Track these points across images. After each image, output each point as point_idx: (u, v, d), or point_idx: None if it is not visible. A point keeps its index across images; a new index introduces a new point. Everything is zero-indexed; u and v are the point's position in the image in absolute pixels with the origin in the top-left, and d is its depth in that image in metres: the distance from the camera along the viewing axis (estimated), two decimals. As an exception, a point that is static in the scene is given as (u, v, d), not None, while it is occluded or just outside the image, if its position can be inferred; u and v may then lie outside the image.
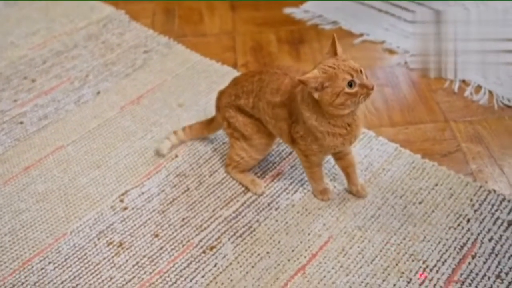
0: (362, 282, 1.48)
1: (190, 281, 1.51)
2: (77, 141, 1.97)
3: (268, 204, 1.70)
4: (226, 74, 2.22)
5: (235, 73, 2.21)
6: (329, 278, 1.49)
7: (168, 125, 2.00)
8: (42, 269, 1.57)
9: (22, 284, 1.53)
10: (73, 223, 1.68)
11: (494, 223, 1.60)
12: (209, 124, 1.83)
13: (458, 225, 1.60)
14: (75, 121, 2.05)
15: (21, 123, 2.06)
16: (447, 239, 1.56)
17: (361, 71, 1.36)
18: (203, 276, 1.52)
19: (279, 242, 1.59)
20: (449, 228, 1.59)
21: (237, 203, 1.71)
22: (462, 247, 1.54)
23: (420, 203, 1.66)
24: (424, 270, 1.50)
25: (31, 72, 2.30)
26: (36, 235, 1.66)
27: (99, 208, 1.72)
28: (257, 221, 1.65)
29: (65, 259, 1.59)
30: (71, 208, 1.73)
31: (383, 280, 1.48)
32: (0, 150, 1.95)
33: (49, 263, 1.58)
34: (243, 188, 1.75)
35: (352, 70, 1.35)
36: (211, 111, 1.99)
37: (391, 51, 2.33)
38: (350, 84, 1.34)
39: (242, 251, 1.57)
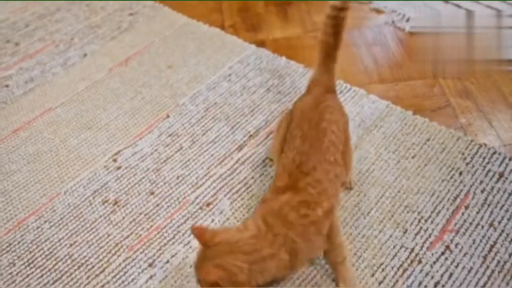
0: (359, 233, 1.50)
1: (189, 236, 1.51)
2: (66, 104, 1.94)
3: (263, 161, 1.70)
4: (214, 36, 2.20)
5: (223, 35, 2.20)
6: (327, 230, 1.50)
7: (158, 86, 1.98)
8: (38, 227, 1.55)
9: (19, 242, 1.52)
10: (66, 183, 1.67)
11: (486, 175, 1.62)
12: None
13: (451, 177, 1.62)
14: (62, 83, 2.02)
15: (7, 86, 2.02)
16: (440, 191, 1.59)
17: None
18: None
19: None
20: (442, 181, 1.61)
21: (232, 161, 1.71)
22: (455, 198, 1.57)
23: (413, 157, 1.68)
24: (419, 221, 1.51)
25: (14, 36, 2.25)
26: (30, 195, 1.64)
27: (92, 168, 1.71)
28: (252, 177, 1.66)
29: (61, 218, 1.57)
30: (64, 168, 1.71)
31: (379, 232, 1.50)
32: (-13, 114, 1.91)
33: (45, 222, 1.57)
34: (236, 146, 1.75)
35: None
36: (200, 72, 1.98)
37: (378, 11, 2.32)
38: None
39: (239, 207, 1.57)
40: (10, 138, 1.82)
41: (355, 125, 1.79)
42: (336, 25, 1.44)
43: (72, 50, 2.16)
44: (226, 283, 1.12)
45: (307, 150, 1.35)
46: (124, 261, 1.46)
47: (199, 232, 1.19)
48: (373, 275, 1.41)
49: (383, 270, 1.42)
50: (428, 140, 1.73)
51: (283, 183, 1.33)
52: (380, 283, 1.39)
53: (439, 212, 1.53)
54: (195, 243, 1.48)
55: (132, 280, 1.42)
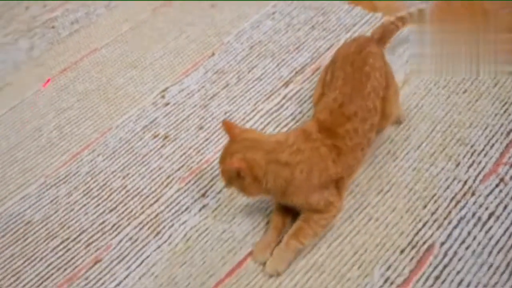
0: (409, 166, 1.49)
1: (239, 168, 1.51)
2: (110, 44, 1.95)
3: (310, 97, 1.69)
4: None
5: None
6: (377, 163, 1.50)
7: (202, 25, 1.98)
8: (92, 160, 1.58)
9: (74, 174, 1.55)
10: (116, 119, 1.69)
11: (539, 109, 1.59)
12: None
13: (505, 112, 1.59)
14: (106, 24, 2.03)
15: (53, 27, 2.04)
16: (493, 125, 1.56)
17: None
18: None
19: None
20: (495, 115, 1.59)
21: (279, 97, 1.71)
22: (509, 132, 1.54)
23: (464, 92, 1.66)
24: (471, 154, 1.50)
25: (56, -20, 2.25)
26: (82, 130, 1.67)
27: (141, 104, 1.73)
28: (300, 112, 1.66)
29: (113, 152, 1.60)
30: (113, 105, 1.73)
31: (431, 165, 1.49)
32: (36, 53, 1.94)
33: (98, 155, 1.60)
34: (283, 82, 1.74)
35: None
36: (244, 11, 1.96)
37: None
38: None
39: (288, 140, 1.57)
40: (59, 77, 1.84)
41: (403, 61, 1.77)
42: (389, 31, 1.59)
43: (115, -9, 2.16)
44: (246, 174, 1.21)
45: (349, 92, 1.35)
46: (176, 192, 1.49)
47: (228, 126, 1.28)
48: (425, 206, 1.41)
49: (435, 201, 1.41)
50: (479, 75, 1.69)
51: (324, 117, 1.34)
52: (432, 214, 1.39)
53: (493, 145, 1.51)
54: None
55: (186, 209, 1.45)
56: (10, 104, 1.77)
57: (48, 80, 1.56)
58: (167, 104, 1.71)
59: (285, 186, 1.26)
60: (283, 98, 1.70)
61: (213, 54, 1.87)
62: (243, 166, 1.21)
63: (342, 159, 1.31)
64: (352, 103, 1.34)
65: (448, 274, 1.27)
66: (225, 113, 1.67)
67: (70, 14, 2.09)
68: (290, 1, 2.02)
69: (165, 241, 1.39)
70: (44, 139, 1.66)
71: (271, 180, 1.25)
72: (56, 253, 1.40)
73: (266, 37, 1.91)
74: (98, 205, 1.48)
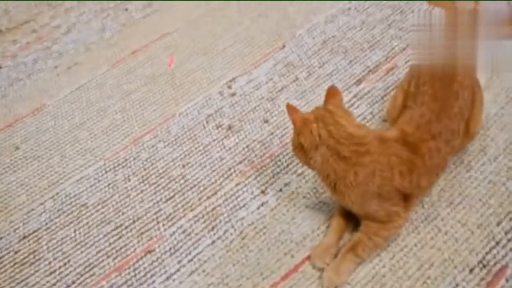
0: (484, 179, 1.39)
1: (302, 166, 1.46)
2: (182, 29, 1.93)
3: (382, 97, 1.61)
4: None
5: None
6: (449, 173, 1.40)
7: (274, 16, 1.92)
8: (153, 146, 1.56)
9: (134, 159, 1.53)
10: (181, 105, 1.66)
11: None
12: None
13: None
14: (179, 9, 2.01)
15: (126, 9, 2.03)
16: None
17: None
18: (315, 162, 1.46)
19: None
20: None
21: (349, 94, 1.63)
22: None
23: (549, 103, 1.53)
24: None
25: (133, -38, 2.24)
26: (146, 114, 1.65)
27: (207, 92, 1.69)
28: (371, 113, 1.58)
29: (175, 139, 1.57)
30: (179, 91, 1.71)
31: (508, 179, 1.38)
32: (108, 34, 1.94)
33: (159, 141, 1.57)
34: (355, 80, 1.67)
35: None
36: (318, 5, 1.89)
37: None
38: None
39: (356, 141, 1.49)
40: (129, 59, 1.83)
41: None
42: None
43: (189, -23, 2.13)
44: (295, 132, 1.21)
45: (437, 110, 1.27)
46: (236, 185, 1.44)
47: (292, 109, 1.23)
48: (499, 223, 1.31)
49: (510, 219, 1.31)
50: None
51: (411, 130, 1.26)
52: (506, 233, 1.29)
53: None
54: (309, 173, 1.43)
55: (244, 205, 1.40)
56: (78, 83, 1.78)
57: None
58: (233, 94, 1.67)
59: (335, 180, 1.21)
60: (354, 96, 1.63)
61: (284, 46, 1.81)
62: (298, 122, 1.19)
63: (413, 177, 1.23)
64: (439, 122, 1.26)
65: (521, 300, 1.17)
66: (292, 108, 1.60)
67: (143, -3, 2.08)
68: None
69: (219, 237, 1.35)
70: (107, 120, 1.65)
71: (318, 162, 1.20)
72: (108, 240, 1.38)
73: (340, 32, 1.84)
74: (155, 193, 1.46)
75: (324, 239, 1.30)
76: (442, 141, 1.26)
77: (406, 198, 1.27)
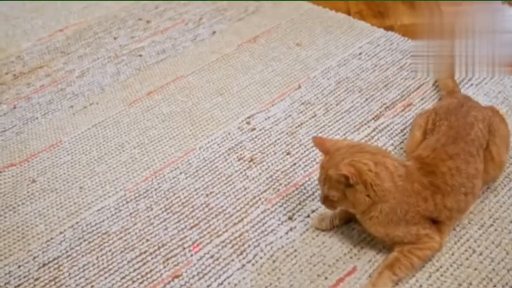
0: (513, 203, 1.38)
1: (329, 193, 1.44)
2: (197, 72, 1.95)
3: (401, 131, 1.63)
4: (341, 20, 2.18)
5: (350, 19, 2.16)
6: (480, 202, 1.39)
7: (288, 60, 1.96)
8: (174, 177, 1.54)
9: (155, 190, 1.51)
10: (200, 140, 1.66)
11: None
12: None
13: None
14: (193, 55, 2.04)
15: (140, 55, 2.06)
16: None
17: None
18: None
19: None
20: None
21: (368, 129, 1.65)
22: None
23: None
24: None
25: (145, 15, 2.31)
26: (165, 149, 1.64)
27: (226, 128, 1.69)
28: (392, 144, 1.59)
29: (196, 170, 1.56)
30: (198, 127, 1.71)
31: (537, 202, 1.38)
32: (122, 77, 1.96)
33: (181, 173, 1.55)
34: (373, 115, 1.69)
35: None
36: (330, 51, 1.95)
37: (516, 1, 2.23)
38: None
39: (380, 170, 1.49)
40: (145, 99, 1.84)
41: (498, 102, 1.70)
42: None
43: (201, 28, 2.19)
44: (356, 180, 1.15)
45: (453, 135, 1.33)
46: (262, 212, 1.42)
47: (319, 141, 1.25)
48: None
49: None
50: None
51: (426, 153, 1.30)
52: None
53: None
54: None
55: (272, 231, 1.37)
56: (94, 121, 1.77)
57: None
58: (253, 129, 1.67)
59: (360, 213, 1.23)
60: (373, 130, 1.64)
61: (299, 86, 1.84)
62: (352, 171, 1.14)
63: (437, 199, 1.23)
64: (455, 144, 1.30)
65: None
66: (313, 141, 1.61)
67: (156, 45, 2.12)
68: (376, 44, 1.99)
69: (249, 261, 1.31)
70: (126, 155, 1.63)
71: (379, 185, 1.19)
72: (133, 265, 1.33)
73: (354, 74, 1.87)
74: (179, 221, 1.42)
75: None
76: (461, 161, 1.28)
77: (437, 222, 1.25)
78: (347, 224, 1.36)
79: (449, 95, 1.63)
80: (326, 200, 1.23)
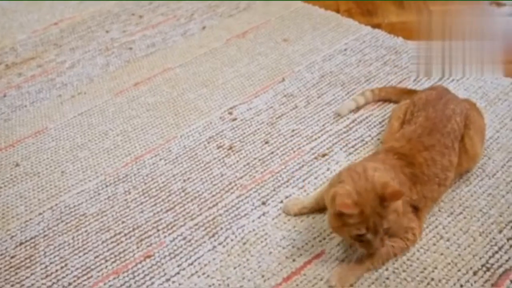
0: (484, 192, 1.42)
1: (303, 181, 1.48)
2: (184, 65, 1.99)
3: (380, 122, 1.65)
4: (329, 17, 2.21)
5: (339, 17, 2.19)
6: (451, 191, 1.42)
7: (274, 55, 2.00)
8: (153, 164, 1.57)
9: (135, 175, 1.54)
10: (182, 129, 1.69)
11: None
12: (406, 93, 1.68)
13: None
14: (182, 49, 2.08)
15: (130, 48, 2.10)
16: None
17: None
18: (315, 178, 1.49)
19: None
20: None
21: (348, 120, 1.67)
22: None
23: (543, 127, 1.57)
24: None
25: (138, 10, 2.35)
26: (147, 137, 1.67)
27: (208, 118, 1.72)
28: (369, 135, 1.61)
29: (176, 157, 1.59)
30: (180, 117, 1.74)
31: (507, 192, 1.40)
32: (111, 68, 2.00)
33: (160, 159, 1.59)
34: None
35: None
36: (316, 46, 1.97)
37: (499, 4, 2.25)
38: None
39: (356, 159, 1.53)
40: (131, 90, 1.88)
41: (477, 97, 1.72)
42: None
43: (192, 24, 2.23)
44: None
45: (430, 127, 1.36)
46: (237, 197, 1.45)
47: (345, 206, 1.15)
48: (501, 231, 1.32)
49: (511, 227, 1.31)
50: (560, 113, 1.61)
51: (400, 145, 1.33)
52: (508, 239, 1.29)
53: None
54: (310, 188, 1.46)
55: (245, 215, 1.40)
56: (80, 109, 1.81)
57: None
58: (234, 119, 1.70)
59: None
60: (353, 121, 1.67)
61: (283, 79, 1.87)
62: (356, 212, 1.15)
63: (417, 188, 1.27)
64: (431, 136, 1.33)
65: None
66: (292, 130, 1.64)
67: (147, 39, 2.16)
68: (362, 41, 2.02)
69: (220, 243, 1.34)
70: (109, 142, 1.67)
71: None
72: (107, 245, 1.36)
73: (337, 68, 1.90)
74: (155, 204, 1.45)
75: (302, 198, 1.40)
76: (436, 152, 1.31)
77: (417, 213, 1.28)
78: (319, 211, 1.38)
79: (414, 92, 1.62)
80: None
